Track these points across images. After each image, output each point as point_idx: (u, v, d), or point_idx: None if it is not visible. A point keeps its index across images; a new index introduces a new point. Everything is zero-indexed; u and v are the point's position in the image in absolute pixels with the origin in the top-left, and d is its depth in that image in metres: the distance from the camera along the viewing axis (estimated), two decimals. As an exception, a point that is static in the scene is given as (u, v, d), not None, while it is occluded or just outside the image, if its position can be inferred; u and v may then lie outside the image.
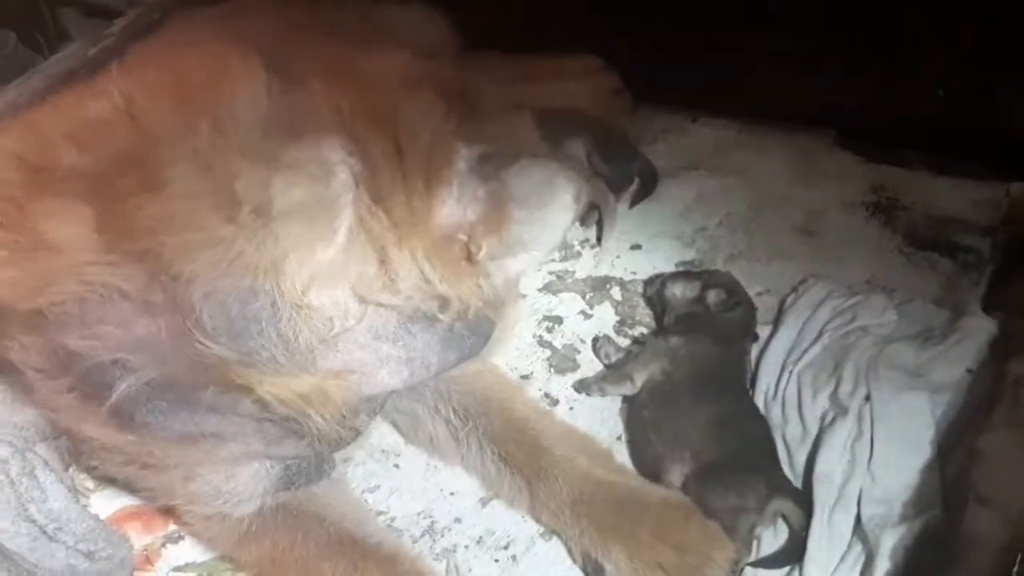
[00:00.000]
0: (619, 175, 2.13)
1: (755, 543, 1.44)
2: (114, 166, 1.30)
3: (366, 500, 1.60)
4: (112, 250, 1.26)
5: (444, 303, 1.51)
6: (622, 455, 1.61)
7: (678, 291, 1.75)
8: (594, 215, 2.11)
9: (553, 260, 2.01)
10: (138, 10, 2.26)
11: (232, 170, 1.32)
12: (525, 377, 1.77)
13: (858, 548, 1.37)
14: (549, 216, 1.57)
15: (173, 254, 1.27)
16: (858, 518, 1.39)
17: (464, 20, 2.49)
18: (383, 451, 1.67)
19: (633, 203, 2.13)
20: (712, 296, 1.70)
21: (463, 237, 1.55)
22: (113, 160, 1.31)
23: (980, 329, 1.58)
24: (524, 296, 1.93)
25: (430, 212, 1.52)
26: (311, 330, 1.36)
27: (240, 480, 1.44)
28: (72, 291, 1.26)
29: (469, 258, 1.56)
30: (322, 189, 1.42)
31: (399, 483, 1.62)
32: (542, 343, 1.84)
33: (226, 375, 1.29)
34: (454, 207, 1.54)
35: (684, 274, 1.81)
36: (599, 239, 2.05)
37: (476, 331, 1.62)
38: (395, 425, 1.70)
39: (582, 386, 1.70)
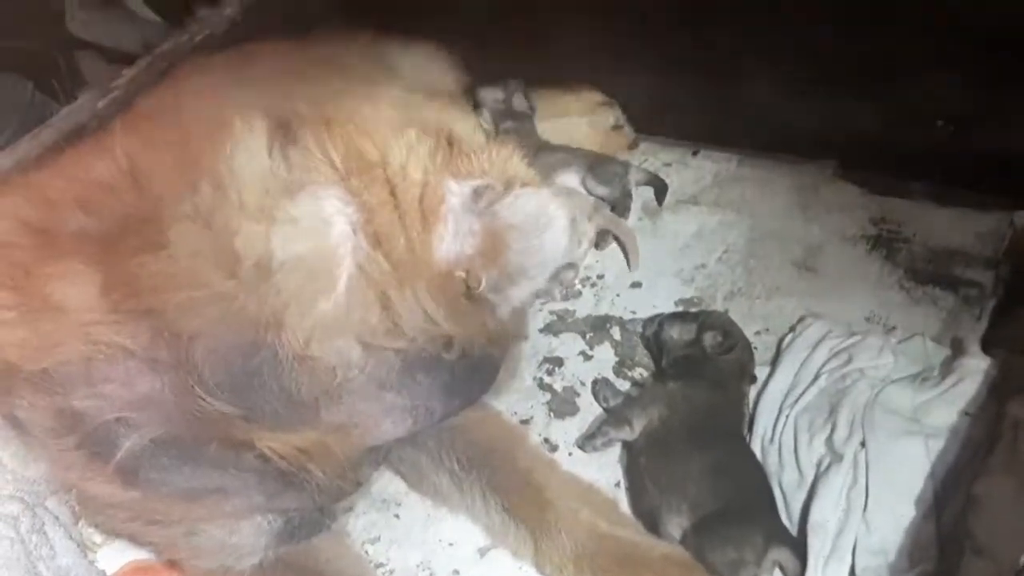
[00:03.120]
0: (618, 194, 2.16)
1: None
2: (118, 227, 1.34)
3: (366, 552, 1.61)
4: (117, 310, 1.29)
5: (448, 342, 1.52)
6: (621, 502, 1.61)
7: (675, 333, 1.76)
8: (607, 239, 2.13)
9: (554, 300, 2.02)
10: (147, 59, 2.31)
11: (232, 227, 1.35)
12: (525, 422, 1.78)
13: (853, 600, 1.36)
14: (546, 242, 1.58)
15: (176, 312, 1.30)
16: (852, 569, 1.38)
17: (469, 57, 2.53)
18: (384, 500, 1.68)
19: (660, 203, 2.21)
20: (708, 339, 1.70)
21: (462, 273, 1.56)
22: (117, 221, 1.35)
23: (978, 370, 1.56)
24: (526, 337, 1.94)
25: (428, 250, 1.54)
26: (314, 381, 1.37)
27: (243, 534, 1.46)
28: (78, 351, 1.29)
29: (470, 293, 1.58)
30: (321, 241, 1.44)
31: (399, 534, 1.64)
32: (542, 386, 1.84)
33: (228, 431, 1.32)
34: (451, 243, 1.55)
35: (681, 316, 1.81)
36: (628, 264, 2.07)
37: (479, 374, 1.63)
38: (398, 473, 1.71)
39: (585, 442, 1.70)
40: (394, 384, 1.48)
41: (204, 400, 1.29)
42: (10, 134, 2.40)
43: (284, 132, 1.55)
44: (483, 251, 1.53)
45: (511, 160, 1.84)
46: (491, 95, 2.22)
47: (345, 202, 1.48)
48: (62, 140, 2.01)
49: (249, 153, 1.45)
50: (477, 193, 1.59)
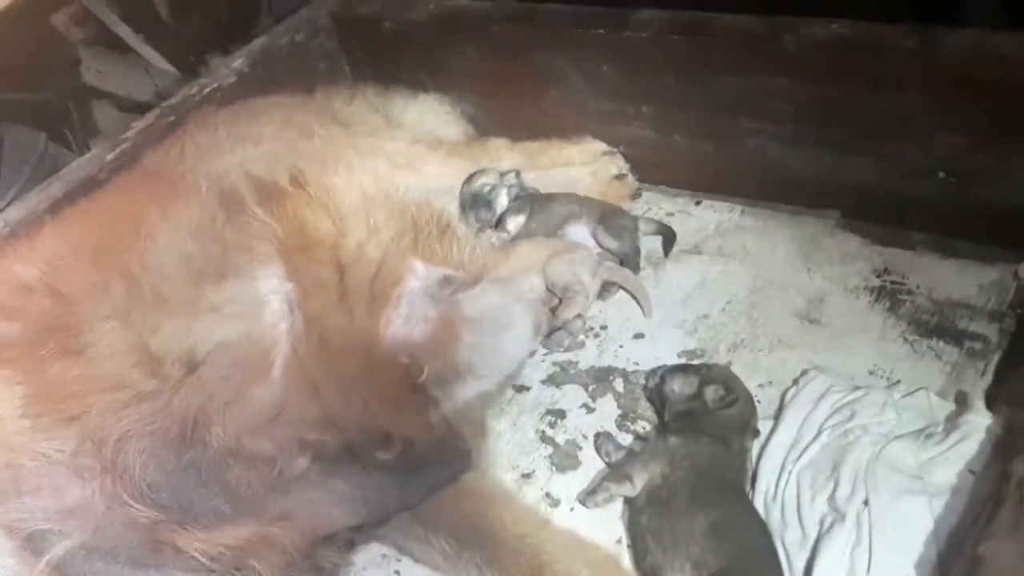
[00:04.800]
0: (628, 249, 2.17)
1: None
2: (38, 332, 1.34)
3: (365, 609, 1.59)
4: (41, 417, 1.29)
5: (386, 439, 1.47)
6: (624, 558, 1.60)
7: (676, 386, 1.75)
8: (611, 290, 2.14)
9: (562, 350, 2.01)
10: (156, 112, 2.35)
11: (151, 323, 1.35)
12: (527, 476, 1.76)
13: (857, 664, 1.34)
14: (502, 344, 1.54)
15: (100, 416, 1.29)
16: (857, 632, 1.36)
17: (472, 108, 2.56)
18: (383, 556, 1.66)
19: (667, 252, 2.21)
20: (710, 392, 1.69)
21: (405, 360, 1.52)
22: (37, 326, 1.35)
23: (983, 427, 1.54)
24: (528, 389, 1.94)
25: (371, 333, 1.50)
26: (253, 474, 1.34)
27: None
28: (4, 460, 1.29)
29: (411, 384, 1.53)
30: (250, 325, 1.41)
31: (399, 591, 1.62)
32: (544, 439, 1.83)
33: (157, 535, 1.29)
34: (400, 327, 1.52)
35: (683, 368, 1.79)
36: (644, 313, 2.07)
37: (445, 462, 1.58)
38: (393, 545, 1.66)
39: (586, 498, 1.68)
40: (343, 472, 1.44)
41: (132, 506, 1.27)
42: (21, 186, 2.45)
43: (227, 208, 1.53)
44: (433, 340, 1.49)
45: (491, 256, 1.81)
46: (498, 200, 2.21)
47: (283, 279, 1.46)
48: (71, 192, 2.05)
49: (167, 244, 1.44)
50: (447, 280, 1.57)
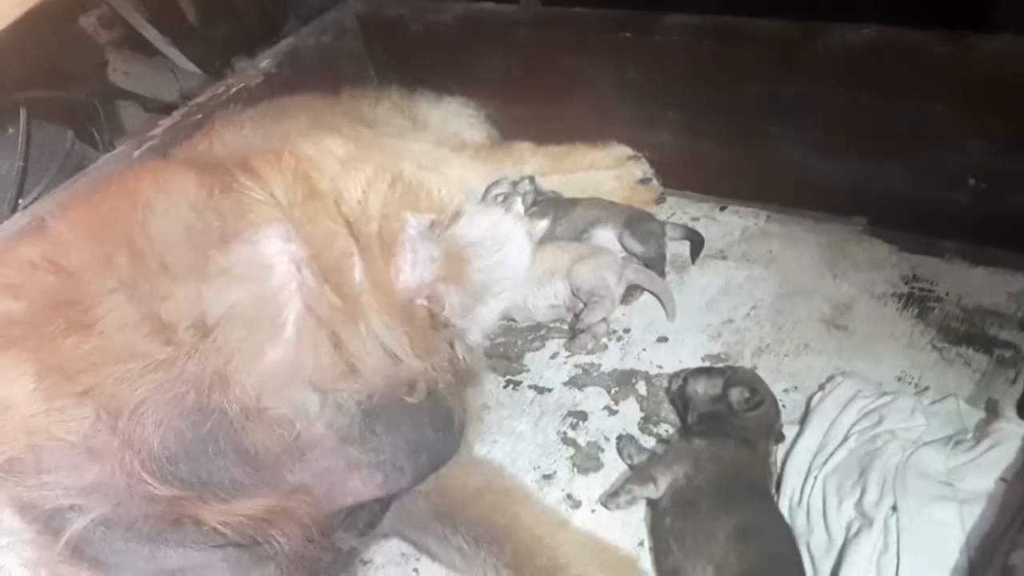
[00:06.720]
0: (653, 254, 2.15)
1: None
2: (46, 310, 1.33)
3: (384, 606, 1.58)
4: (56, 396, 1.28)
5: (411, 384, 1.48)
6: (645, 561, 1.58)
7: (700, 388, 1.73)
8: (635, 294, 2.13)
9: (585, 353, 2.01)
10: (183, 110, 2.36)
11: (159, 292, 1.34)
12: (548, 477, 1.75)
13: (885, 672, 1.31)
14: (508, 257, 1.56)
15: (115, 387, 1.27)
16: (884, 639, 1.33)
17: (500, 111, 2.56)
18: (403, 555, 1.66)
19: (694, 259, 2.19)
20: (735, 394, 1.68)
21: (423, 302, 1.55)
22: (44, 304, 1.34)
23: (1015, 435, 1.51)
24: (550, 390, 1.93)
25: (389, 282, 1.52)
26: (271, 437, 1.34)
27: None
28: (24, 444, 1.28)
29: (434, 322, 1.55)
30: (260, 286, 1.41)
31: (418, 589, 1.61)
32: (566, 440, 1.82)
33: (178, 510, 1.28)
34: (411, 273, 1.55)
35: (707, 371, 1.78)
36: (667, 315, 2.06)
37: (442, 427, 1.59)
38: (415, 545, 1.67)
39: (608, 500, 1.66)
40: (356, 437, 1.44)
41: (149, 484, 1.26)
42: (48, 181, 2.47)
43: (217, 180, 1.54)
44: (445, 275, 1.52)
45: (458, 196, 1.84)
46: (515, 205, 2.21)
47: (287, 239, 1.47)
48: (99, 188, 2.06)
49: (166, 214, 1.44)
50: (434, 224, 1.59)
